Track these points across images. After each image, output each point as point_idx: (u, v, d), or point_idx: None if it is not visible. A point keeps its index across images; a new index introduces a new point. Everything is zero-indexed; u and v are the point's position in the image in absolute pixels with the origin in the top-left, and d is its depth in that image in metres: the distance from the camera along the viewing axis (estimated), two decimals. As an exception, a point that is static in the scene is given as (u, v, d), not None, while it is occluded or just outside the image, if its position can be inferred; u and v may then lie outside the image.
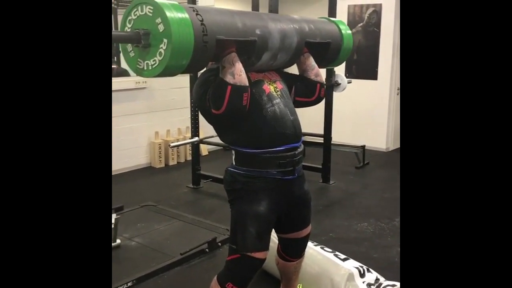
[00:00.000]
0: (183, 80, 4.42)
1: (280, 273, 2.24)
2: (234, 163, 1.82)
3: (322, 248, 2.56)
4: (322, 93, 2.04)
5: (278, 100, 1.80)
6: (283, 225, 1.97)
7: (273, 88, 1.83)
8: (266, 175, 1.77)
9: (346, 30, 2.30)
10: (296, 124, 1.84)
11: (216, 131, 1.91)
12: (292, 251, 2.09)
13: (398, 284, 2.27)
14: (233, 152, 1.82)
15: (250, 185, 1.77)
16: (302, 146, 1.89)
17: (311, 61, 2.02)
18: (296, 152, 1.83)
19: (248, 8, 4.10)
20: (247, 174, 1.77)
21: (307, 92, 2.01)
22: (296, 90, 2.00)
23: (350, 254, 2.71)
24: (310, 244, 2.52)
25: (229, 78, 1.63)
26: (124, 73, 4.90)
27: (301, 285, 2.34)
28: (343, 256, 2.50)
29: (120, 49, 1.61)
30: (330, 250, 2.57)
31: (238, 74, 1.64)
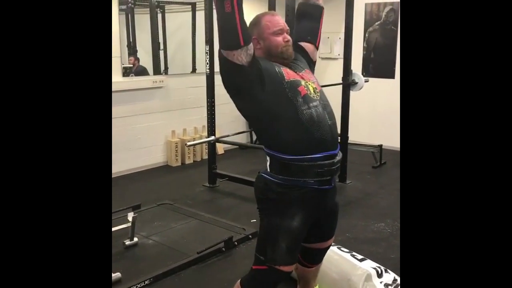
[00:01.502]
0: (200, 80, 4.44)
1: (298, 277, 2.24)
2: (268, 170, 1.74)
3: (339, 248, 2.55)
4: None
5: (316, 103, 1.70)
6: (310, 236, 1.89)
7: (312, 89, 1.73)
8: (302, 185, 1.68)
9: None
10: (334, 130, 1.74)
11: (255, 132, 1.90)
12: (314, 259, 2.08)
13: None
14: (268, 157, 1.74)
15: (285, 196, 1.69)
16: (340, 153, 1.79)
17: None
18: (335, 161, 1.73)
19: (265, 8, 4.09)
20: (282, 184, 1.69)
21: (312, 26, 1.97)
22: (298, 31, 1.96)
23: (367, 254, 2.69)
24: None
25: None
26: (144, 72, 4.94)
27: (317, 286, 2.33)
28: (360, 257, 2.48)
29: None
30: (347, 250, 2.55)
31: None
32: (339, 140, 1.81)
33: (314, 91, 1.73)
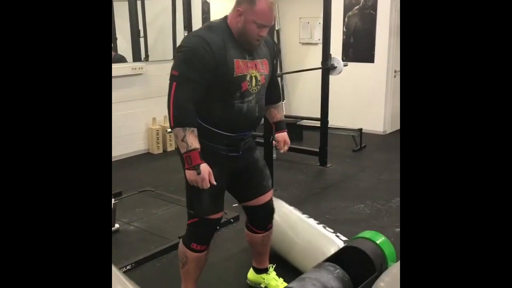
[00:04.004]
0: (179, 66, 4.41)
1: (250, 246, 2.34)
2: None
3: (324, 227, 2.60)
4: None
5: (251, 97, 1.86)
6: (240, 193, 2.12)
7: (254, 83, 1.86)
8: (214, 149, 1.89)
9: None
10: (257, 121, 1.96)
11: None
12: (256, 221, 2.19)
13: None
14: None
15: (203, 153, 1.80)
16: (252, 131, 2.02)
17: None
18: (245, 137, 1.96)
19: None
20: (200, 143, 1.81)
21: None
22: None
23: (346, 234, 2.75)
24: (301, 216, 2.60)
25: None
26: (121, 60, 4.90)
27: (272, 266, 2.38)
28: (344, 238, 2.54)
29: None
30: (332, 230, 2.60)
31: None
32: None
33: (256, 85, 1.87)
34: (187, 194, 1.96)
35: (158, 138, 5.15)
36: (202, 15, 5.87)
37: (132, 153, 5.03)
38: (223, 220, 3.15)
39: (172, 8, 5.42)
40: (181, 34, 5.29)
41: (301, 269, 2.38)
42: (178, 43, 5.71)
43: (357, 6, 5.74)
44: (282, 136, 2.21)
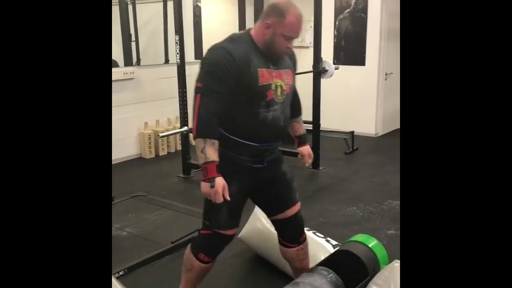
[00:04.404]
0: (172, 70, 4.41)
1: (289, 264, 2.26)
2: None
3: (314, 233, 2.60)
4: None
5: (277, 107, 1.85)
6: (267, 206, 2.08)
7: (280, 92, 1.84)
8: (237, 161, 1.87)
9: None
10: (283, 130, 1.94)
11: None
12: (287, 234, 2.12)
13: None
14: None
15: (224, 166, 1.80)
16: (280, 141, 1.99)
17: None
18: (270, 148, 1.93)
19: (235, 2, 4.09)
20: (223, 156, 1.81)
21: None
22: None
23: (339, 237, 2.76)
24: None
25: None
26: (113, 64, 4.88)
27: None
28: (334, 242, 2.54)
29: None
30: (322, 235, 2.61)
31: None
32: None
33: (281, 94, 1.85)
34: (206, 204, 1.92)
35: (150, 143, 5.13)
36: (194, 19, 5.88)
37: (124, 157, 5.00)
38: (216, 224, 3.17)
39: (164, 12, 5.42)
40: (172, 38, 5.29)
41: (293, 275, 2.38)
42: (170, 47, 5.75)
43: (348, 10, 5.78)
44: (306, 149, 2.20)
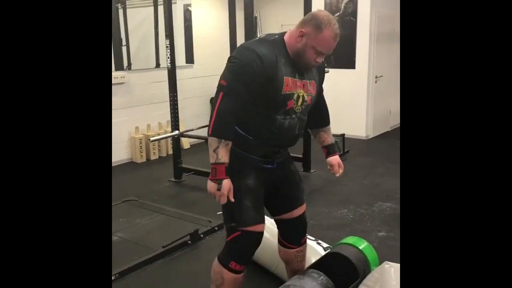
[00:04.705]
0: (163, 74, 4.41)
1: (285, 264, 2.26)
2: None
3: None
4: None
5: (295, 115, 1.84)
6: (275, 206, 2.05)
7: (300, 102, 1.83)
8: (250, 160, 1.86)
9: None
10: (295, 139, 1.92)
11: None
12: (289, 235, 2.12)
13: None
14: None
15: (239, 163, 1.82)
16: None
17: None
18: (281, 150, 1.93)
19: (225, 7, 4.10)
20: (236, 153, 1.81)
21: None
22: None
23: (331, 240, 2.78)
24: None
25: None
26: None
27: None
28: (325, 245, 2.55)
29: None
30: (313, 238, 2.62)
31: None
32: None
33: (301, 104, 1.84)
34: (226, 207, 1.86)
35: (141, 147, 5.12)
36: (185, 23, 5.88)
37: (115, 162, 4.99)
38: (207, 228, 3.17)
39: (154, 16, 5.42)
40: (163, 42, 5.28)
41: (285, 279, 2.39)
42: (161, 51, 5.74)
43: (338, 13, 5.82)
44: (336, 159, 2.13)
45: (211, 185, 1.75)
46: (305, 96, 1.84)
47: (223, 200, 1.75)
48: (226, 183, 1.74)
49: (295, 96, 1.80)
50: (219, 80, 1.75)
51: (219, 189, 1.73)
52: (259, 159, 1.87)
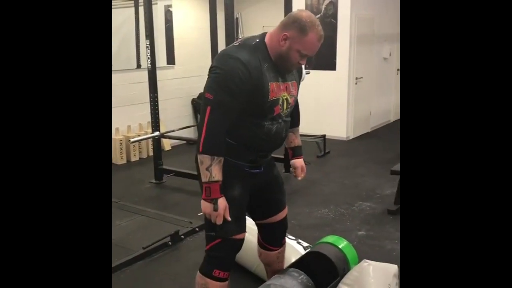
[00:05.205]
0: (144, 75, 4.39)
1: (265, 266, 2.26)
2: None
3: (286, 235, 2.62)
4: None
5: (281, 120, 1.81)
6: (259, 211, 2.02)
7: (285, 106, 1.80)
8: (238, 166, 1.80)
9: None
10: (283, 141, 1.91)
11: None
12: (271, 238, 2.11)
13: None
14: None
15: (225, 171, 1.74)
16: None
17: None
18: (268, 155, 1.91)
19: (206, 7, 4.10)
20: (225, 160, 1.75)
21: None
22: None
23: (311, 239, 2.80)
24: None
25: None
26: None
27: None
28: (305, 244, 2.57)
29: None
30: (293, 237, 2.64)
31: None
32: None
33: (286, 107, 1.81)
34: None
35: (121, 149, 5.07)
36: (166, 23, 5.86)
37: (95, 164, 4.93)
38: (188, 229, 3.16)
39: (135, 17, 5.38)
40: (144, 43, 5.26)
41: (265, 279, 2.39)
42: (142, 51, 5.70)
43: (318, 15, 5.86)
44: (300, 162, 2.10)
45: (205, 206, 1.69)
46: (289, 99, 1.81)
47: (220, 221, 1.69)
48: (222, 202, 1.69)
49: (280, 101, 1.77)
50: (204, 93, 1.68)
51: (216, 209, 1.67)
52: (247, 164, 1.82)
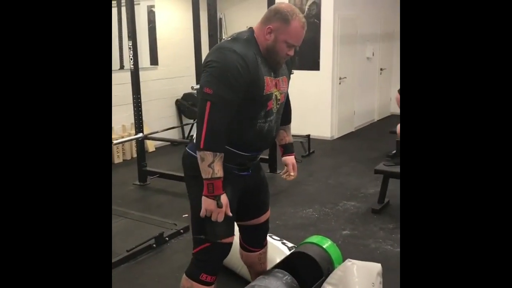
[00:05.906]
0: (127, 76, 4.35)
1: (248, 268, 2.25)
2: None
3: (270, 236, 2.63)
4: None
5: (273, 117, 1.78)
6: (245, 212, 1.98)
7: (275, 102, 1.77)
8: (228, 169, 1.75)
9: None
10: (273, 140, 1.88)
11: None
12: (253, 239, 2.10)
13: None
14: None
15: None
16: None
17: None
18: (257, 156, 1.87)
19: (189, 8, 4.08)
20: None
21: None
22: None
23: (296, 239, 2.80)
24: None
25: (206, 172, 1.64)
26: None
27: None
28: (290, 245, 2.58)
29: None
30: (278, 238, 2.64)
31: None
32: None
33: (276, 104, 1.78)
34: (196, 218, 1.76)
35: (105, 150, 5.02)
36: (149, 24, 5.82)
37: (78, 166, 4.87)
38: (172, 231, 3.14)
39: (118, 17, 5.33)
40: (126, 44, 5.22)
41: (250, 280, 2.39)
42: (125, 52, 5.65)
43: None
44: (291, 159, 2.08)
45: (208, 202, 1.65)
46: (278, 95, 1.79)
47: (221, 217, 1.67)
48: (224, 199, 1.67)
49: (273, 96, 1.75)
50: (202, 88, 1.62)
51: (220, 206, 1.64)
52: (236, 167, 1.80)
